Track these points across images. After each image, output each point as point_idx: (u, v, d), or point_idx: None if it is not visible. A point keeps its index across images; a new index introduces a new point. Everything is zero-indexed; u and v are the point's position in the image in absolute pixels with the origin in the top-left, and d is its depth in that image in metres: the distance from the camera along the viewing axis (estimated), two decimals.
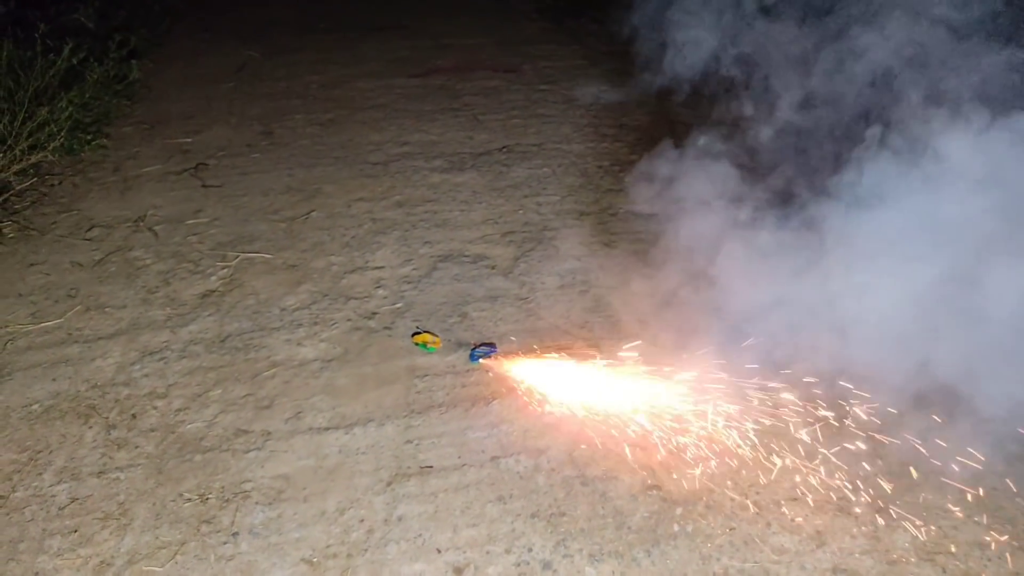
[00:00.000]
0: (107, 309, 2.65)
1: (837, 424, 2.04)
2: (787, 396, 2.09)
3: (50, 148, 3.42)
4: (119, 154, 3.84)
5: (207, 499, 1.90)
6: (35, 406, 2.21)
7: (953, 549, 1.74)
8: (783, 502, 1.86)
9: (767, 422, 2.06)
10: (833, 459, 1.96)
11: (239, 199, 3.41)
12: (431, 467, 1.99)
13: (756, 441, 2.02)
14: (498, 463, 1.99)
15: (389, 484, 1.93)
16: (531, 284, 2.77)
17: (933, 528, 1.79)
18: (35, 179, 3.49)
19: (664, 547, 1.75)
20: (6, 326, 2.55)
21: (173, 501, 1.89)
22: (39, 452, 2.05)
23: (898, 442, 1.98)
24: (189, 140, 4.02)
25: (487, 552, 1.75)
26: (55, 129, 3.45)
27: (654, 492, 1.89)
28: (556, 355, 2.34)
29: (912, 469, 1.93)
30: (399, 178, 3.60)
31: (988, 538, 1.76)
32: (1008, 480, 1.89)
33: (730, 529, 1.79)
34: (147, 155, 3.84)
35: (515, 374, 2.27)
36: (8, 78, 3.59)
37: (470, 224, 3.19)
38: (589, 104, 4.49)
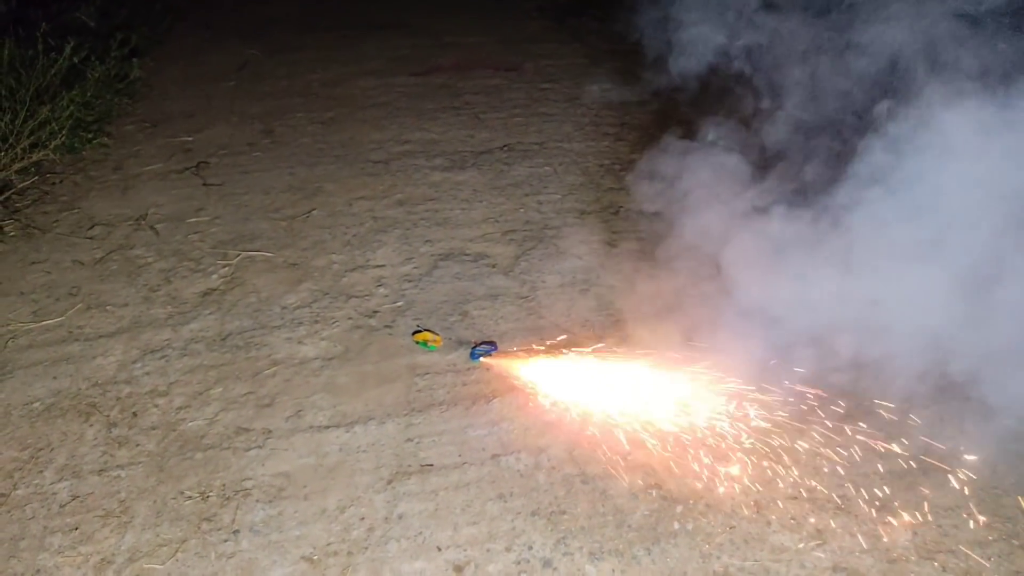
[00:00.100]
0: (108, 307, 2.65)
1: (837, 423, 2.04)
2: (786, 395, 2.09)
3: (51, 146, 3.43)
4: (120, 152, 3.84)
5: (208, 497, 1.90)
6: (36, 404, 2.22)
7: (953, 548, 1.74)
8: (783, 500, 1.86)
9: (767, 422, 2.06)
10: (833, 457, 1.96)
11: (240, 197, 3.41)
12: (432, 465, 1.99)
13: (755, 441, 2.02)
14: (498, 461, 2.00)
15: (390, 482, 1.94)
16: (532, 282, 2.77)
17: (933, 527, 1.79)
18: (36, 177, 3.49)
19: (664, 545, 1.75)
20: (7, 324, 2.56)
21: (174, 499, 1.90)
22: (40, 450, 2.05)
23: (898, 441, 1.98)
24: (190, 138, 4.02)
25: (487, 550, 1.75)
26: (56, 127, 3.45)
27: (654, 490, 1.89)
28: (556, 353, 2.34)
29: (912, 467, 1.93)
30: (400, 176, 3.60)
31: (989, 537, 1.76)
32: (1008, 479, 1.89)
33: (730, 527, 1.79)
34: (148, 153, 3.84)
35: (515, 372, 2.27)
36: (10, 76, 3.59)
37: (471, 222, 3.19)
38: (590, 102, 4.48)
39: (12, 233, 3.10)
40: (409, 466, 1.98)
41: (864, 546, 1.74)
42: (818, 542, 1.76)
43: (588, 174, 3.60)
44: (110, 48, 4.10)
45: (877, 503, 1.85)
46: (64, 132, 3.47)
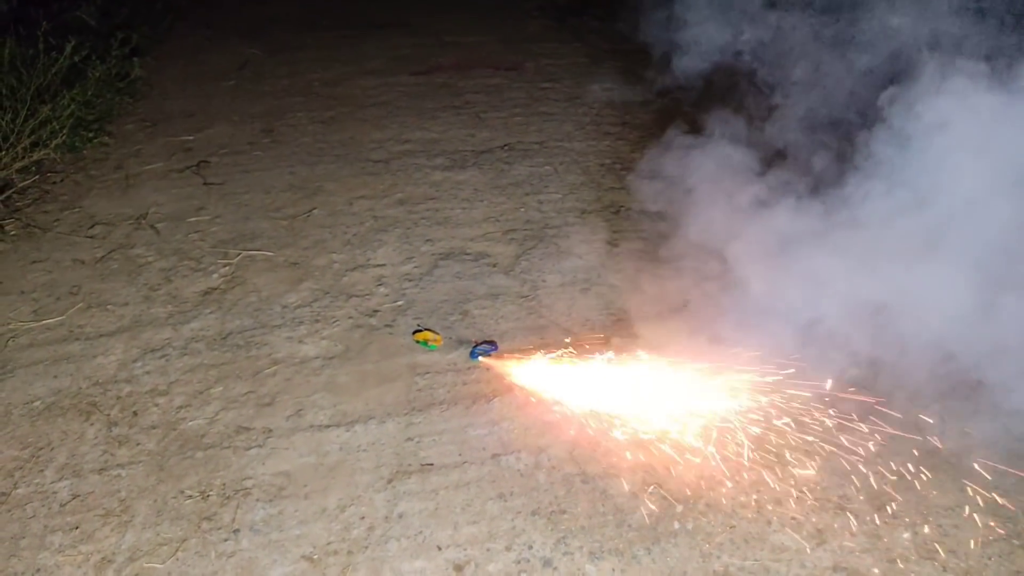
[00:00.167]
0: (109, 306, 2.65)
1: (838, 422, 2.04)
2: (787, 394, 2.09)
3: (52, 145, 3.43)
4: (121, 152, 3.84)
5: (208, 496, 1.90)
6: (37, 403, 2.22)
7: (953, 547, 1.74)
8: (783, 500, 1.86)
9: (766, 421, 2.06)
10: (833, 457, 1.96)
11: (241, 197, 3.41)
12: (432, 464, 1.99)
13: (755, 440, 2.02)
14: (499, 460, 2.00)
15: (390, 481, 1.94)
16: (532, 282, 2.77)
17: (933, 526, 1.79)
18: (37, 176, 3.50)
19: (664, 545, 1.75)
20: (8, 323, 2.56)
21: (174, 498, 1.90)
22: (41, 449, 2.05)
23: (899, 440, 1.98)
24: (191, 138, 4.02)
25: (487, 549, 1.75)
26: (57, 126, 3.45)
27: (654, 490, 1.89)
28: (557, 352, 2.34)
29: (912, 467, 1.93)
30: (401, 176, 3.60)
31: (989, 536, 1.76)
32: (1009, 479, 1.89)
33: (730, 527, 1.79)
34: (149, 153, 3.84)
35: (515, 372, 2.27)
36: (10, 75, 3.59)
37: (471, 222, 3.19)
38: (591, 102, 4.48)
39: (13, 232, 3.10)
40: (409, 465, 1.98)
41: (864, 546, 1.74)
42: (818, 541, 1.75)
43: (589, 173, 3.60)
44: (111, 47, 4.10)
45: (877, 503, 1.85)
46: (65, 131, 3.47)
